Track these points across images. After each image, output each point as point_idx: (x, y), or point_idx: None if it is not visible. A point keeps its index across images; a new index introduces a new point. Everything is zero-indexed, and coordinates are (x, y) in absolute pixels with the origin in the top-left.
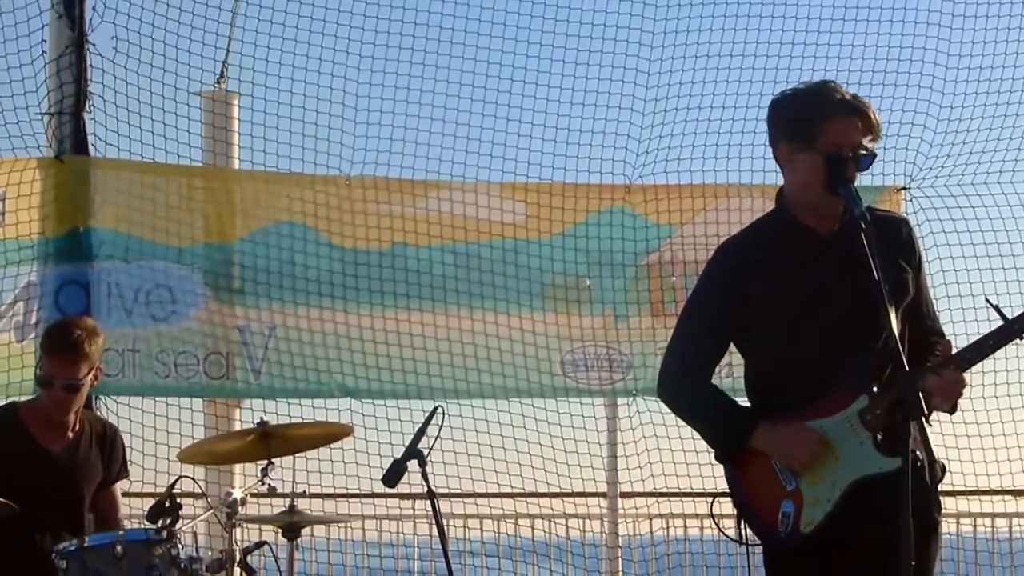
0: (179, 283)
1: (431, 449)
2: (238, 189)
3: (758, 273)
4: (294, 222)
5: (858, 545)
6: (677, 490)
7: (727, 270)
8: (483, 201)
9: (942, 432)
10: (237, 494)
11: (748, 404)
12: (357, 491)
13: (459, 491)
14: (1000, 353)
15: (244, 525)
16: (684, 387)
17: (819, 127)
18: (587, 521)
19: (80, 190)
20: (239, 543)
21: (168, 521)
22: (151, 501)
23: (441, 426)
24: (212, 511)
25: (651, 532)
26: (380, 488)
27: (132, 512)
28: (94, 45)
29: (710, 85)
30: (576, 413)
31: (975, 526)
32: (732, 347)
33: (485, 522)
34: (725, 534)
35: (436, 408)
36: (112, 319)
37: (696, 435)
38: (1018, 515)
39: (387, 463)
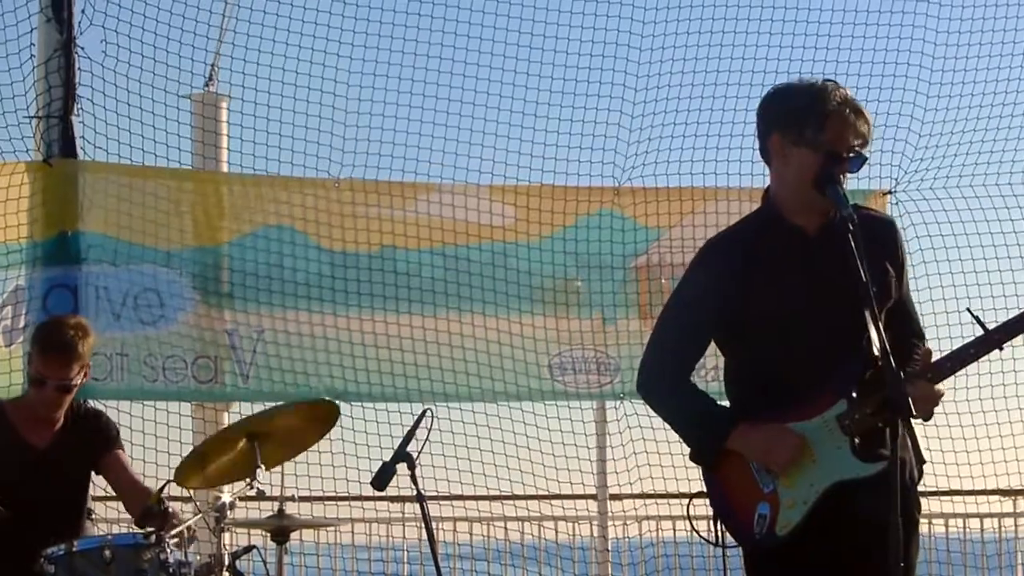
0: (167, 287)
1: (420, 452)
2: (227, 192)
3: (744, 272)
4: (283, 225)
5: (835, 548)
6: (666, 492)
7: (712, 269)
8: (472, 204)
9: (925, 435)
10: (226, 498)
11: (727, 405)
12: (346, 494)
13: (448, 494)
14: None
15: (233, 529)
16: (663, 385)
17: (821, 122)
18: (576, 524)
19: (68, 193)
20: (228, 547)
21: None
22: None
23: (430, 429)
24: (201, 515)
25: (640, 535)
26: (369, 491)
27: (121, 516)
28: (82, 48)
29: (698, 88)
30: (565, 416)
31: (947, 527)
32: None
33: (474, 525)
34: (700, 535)
35: (425, 411)
36: (100, 323)
37: None
38: (991, 515)
39: (376, 466)
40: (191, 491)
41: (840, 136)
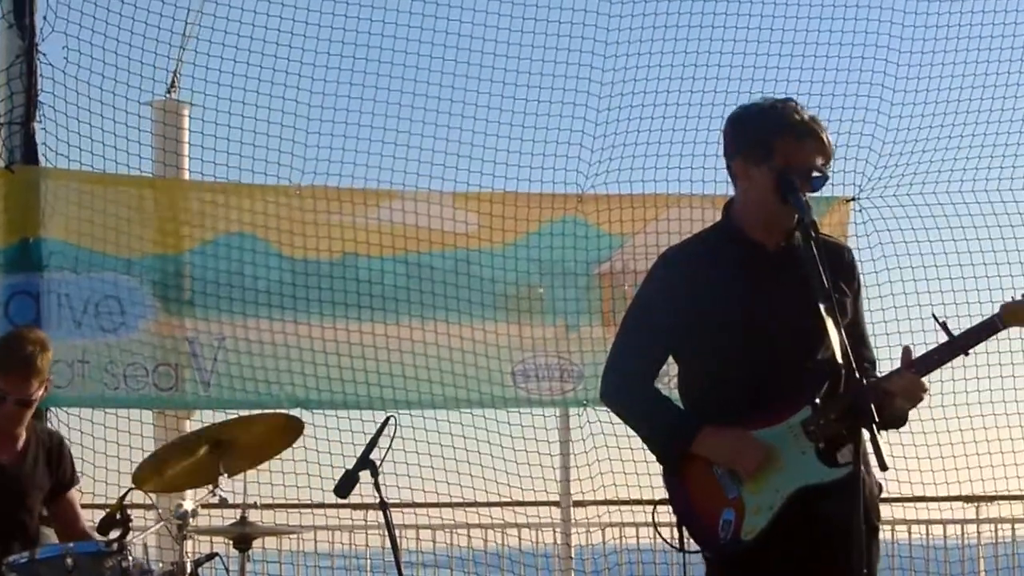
0: (128, 294)
1: (383, 460)
2: (188, 199)
3: (702, 282)
4: (244, 233)
5: (799, 554)
6: (630, 499)
7: (670, 280)
8: (435, 211)
9: (888, 442)
10: (188, 505)
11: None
12: (309, 502)
13: (411, 502)
14: None
15: (195, 537)
16: (626, 391)
17: (775, 146)
18: (540, 531)
19: (30, 200)
20: (190, 555)
21: (119, 533)
22: (101, 513)
23: (393, 437)
24: (163, 523)
25: (604, 542)
26: (332, 499)
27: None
28: (44, 55)
29: (662, 95)
30: (528, 424)
31: (909, 533)
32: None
33: (438, 533)
34: (664, 539)
35: (388, 419)
36: (62, 330)
37: None
38: (953, 521)
39: (339, 474)
40: (153, 497)
41: (796, 158)
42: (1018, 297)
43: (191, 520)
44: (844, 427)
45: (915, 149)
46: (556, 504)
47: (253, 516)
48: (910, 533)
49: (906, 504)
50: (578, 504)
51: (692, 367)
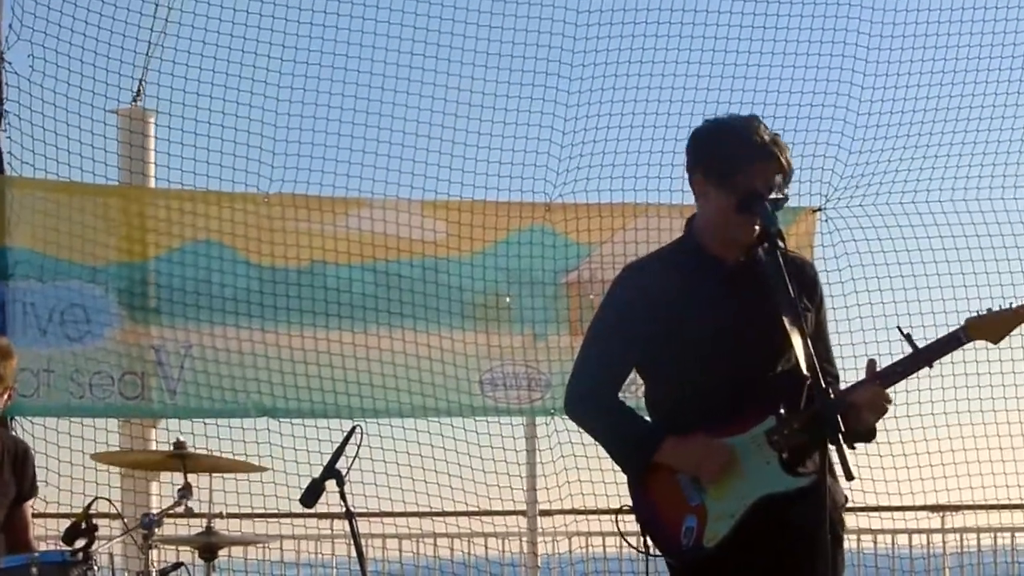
0: (93, 302)
1: (349, 469)
2: (153, 207)
3: (665, 300)
4: (210, 240)
5: (762, 561)
6: (596, 508)
7: (632, 294)
8: (403, 219)
9: (853, 451)
10: (154, 514)
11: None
12: (275, 511)
13: (378, 511)
14: None
15: (161, 546)
16: (590, 403)
17: (734, 167)
18: (506, 540)
19: None
20: (156, 564)
21: (85, 543)
22: (67, 522)
23: (359, 445)
24: (129, 532)
25: (570, 550)
26: (298, 508)
27: (48, 533)
28: (10, 63)
29: (629, 105)
30: (495, 432)
31: (875, 542)
32: None
33: (404, 542)
34: (629, 543)
35: (355, 427)
36: (27, 338)
37: None
38: (919, 531)
39: (305, 483)
40: (119, 507)
41: (756, 182)
42: (983, 312)
43: (156, 529)
44: (808, 437)
45: (881, 159)
46: (522, 513)
47: (219, 525)
48: (876, 543)
49: (871, 514)
50: (544, 513)
51: (656, 380)
